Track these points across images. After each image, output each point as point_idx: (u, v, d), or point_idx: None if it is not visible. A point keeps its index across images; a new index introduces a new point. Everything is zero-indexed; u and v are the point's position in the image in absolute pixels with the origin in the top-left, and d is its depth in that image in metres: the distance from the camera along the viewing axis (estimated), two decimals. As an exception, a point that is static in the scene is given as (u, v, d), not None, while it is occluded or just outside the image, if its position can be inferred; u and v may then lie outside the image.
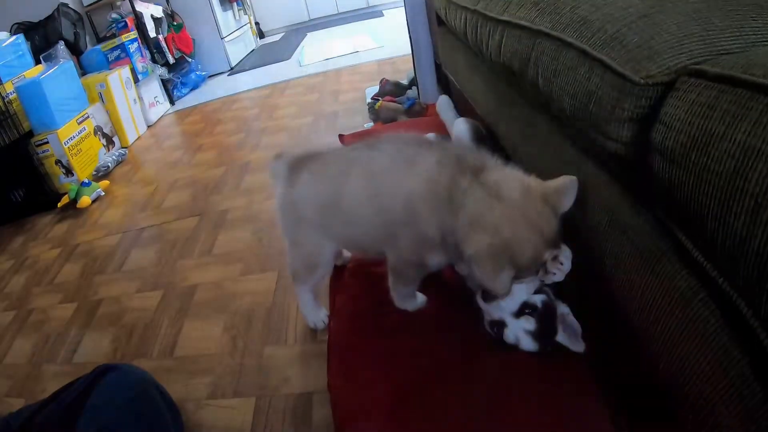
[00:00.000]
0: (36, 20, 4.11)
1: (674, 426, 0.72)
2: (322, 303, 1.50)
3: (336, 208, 1.19)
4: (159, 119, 4.59)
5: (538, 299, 1.05)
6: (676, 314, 0.65)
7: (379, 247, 1.20)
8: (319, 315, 1.48)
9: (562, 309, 1.07)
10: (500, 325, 1.07)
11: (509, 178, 0.99)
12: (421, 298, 1.28)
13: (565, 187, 0.93)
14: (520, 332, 1.05)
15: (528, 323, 1.04)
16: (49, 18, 4.12)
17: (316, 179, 1.23)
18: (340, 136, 2.36)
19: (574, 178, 0.92)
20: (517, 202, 0.95)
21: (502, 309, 1.06)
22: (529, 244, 0.93)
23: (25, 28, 4.01)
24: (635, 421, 0.93)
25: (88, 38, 4.50)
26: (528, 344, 1.05)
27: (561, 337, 1.05)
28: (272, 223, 2.19)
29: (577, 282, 1.04)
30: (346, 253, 1.56)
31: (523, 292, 1.06)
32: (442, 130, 2.01)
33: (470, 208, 0.97)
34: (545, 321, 1.05)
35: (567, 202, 0.93)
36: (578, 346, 1.04)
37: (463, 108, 2.12)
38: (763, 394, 0.53)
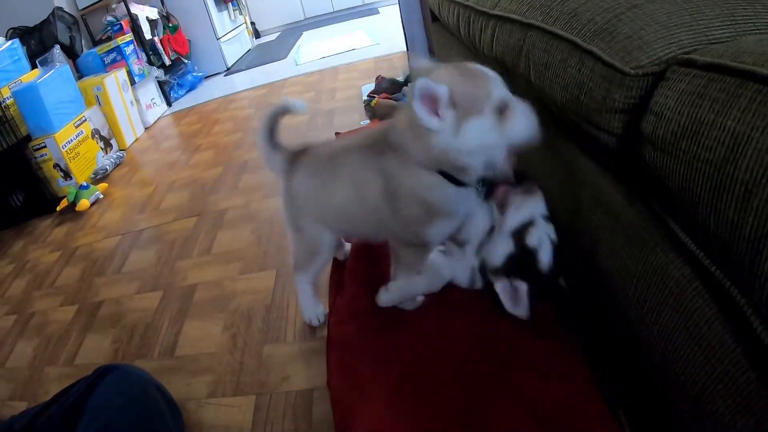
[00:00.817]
0: (31, 25, 4.10)
1: (672, 419, 0.72)
2: (321, 300, 1.52)
3: (329, 203, 1.22)
4: (156, 121, 4.59)
5: None
6: (670, 304, 0.65)
7: (378, 235, 1.24)
8: (316, 310, 1.49)
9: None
10: (527, 227, 1.09)
11: None
12: (419, 297, 1.29)
13: None
14: (544, 236, 1.08)
15: (552, 232, 1.08)
16: (45, 22, 4.11)
17: (310, 174, 1.27)
18: (337, 134, 2.36)
19: None
20: None
21: (535, 208, 1.11)
22: None
23: (21, 33, 4.00)
24: (633, 414, 0.94)
25: (83, 41, 4.49)
26: (547, 254, 1.07)
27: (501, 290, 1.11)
28: (271, 221, 2.19)
29: (570, 273, 1.05)
30: (347, 246, 1.60)
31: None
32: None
33: None
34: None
35: None
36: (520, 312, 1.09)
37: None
38: (758, 381, 0.53)
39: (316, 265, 1.41)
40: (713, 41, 0.62)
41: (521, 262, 1.09)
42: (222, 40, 5.93)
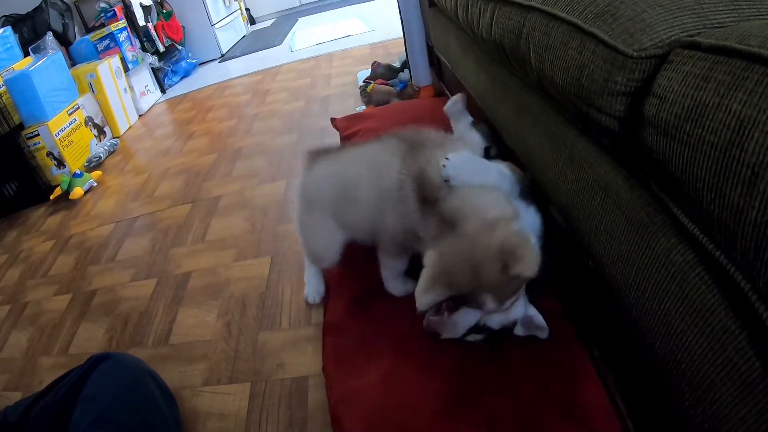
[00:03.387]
0: (23, 12, 4.08)
1: (672, 407, 0.72)
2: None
3: (343, 190, 1.29)
4: (150, 108, 4.57)
5: (495, 323, 1.03)
6: (672, 290, 0.64)
7: (374, 227, 1.26)
8: (318, 288, 1.53)
9: (530, 311, 1.06)
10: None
11: (475, 212, 1.03)
12: (411, 284, 1.30)
13: (522, 254, 0.93)
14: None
15: (472, 338, 1.05)
16: (37, 9, 4.08)
17: (329, 166, 1.36)
18: (332, 120, 2.35)
19: (534, 252, 0.93)
20: (471, 240, 0.99)
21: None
22: (467, 284, 0.97)
23: (13, 21, 3.98)
24: (633, 401, 0.93)
25: (76, 28, 4.46)
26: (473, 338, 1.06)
27: (520, 331, 1.06)
28: (265, 208, 2.19)
29: (571, 260, 1.04)
30: None
31: (470, 318, 1.05)
32: (435, 114, 2.00)
33: (433, 227, 1.06)
34: (495, 335, 1.05)
35: (519, 269, 0.92)
36: (542, 333, 1.05)
37: (455, 90, 2.11)
38: (762, 368, 0.52)
39: (320, 263, 1.50)
40: (717, 25, 0.61)
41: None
42: (216, 26, 5.90)
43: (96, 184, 3.10)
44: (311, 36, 5.72)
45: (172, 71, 5.23)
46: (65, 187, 2.99)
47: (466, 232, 1.00)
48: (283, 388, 1.30)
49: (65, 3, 4.36)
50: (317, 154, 1.42)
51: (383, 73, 3.17)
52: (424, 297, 0.98)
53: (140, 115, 4.39)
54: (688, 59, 0.58)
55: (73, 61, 4.14)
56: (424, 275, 1.00)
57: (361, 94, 3.11)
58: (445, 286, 0.97)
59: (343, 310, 1.33)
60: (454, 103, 1.62)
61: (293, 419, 1.22)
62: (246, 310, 1.61)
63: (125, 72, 4.25)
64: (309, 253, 1.49)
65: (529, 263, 0.91)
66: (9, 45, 3.42)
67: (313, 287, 1.53)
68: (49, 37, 3.85)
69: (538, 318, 1.05)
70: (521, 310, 1.03)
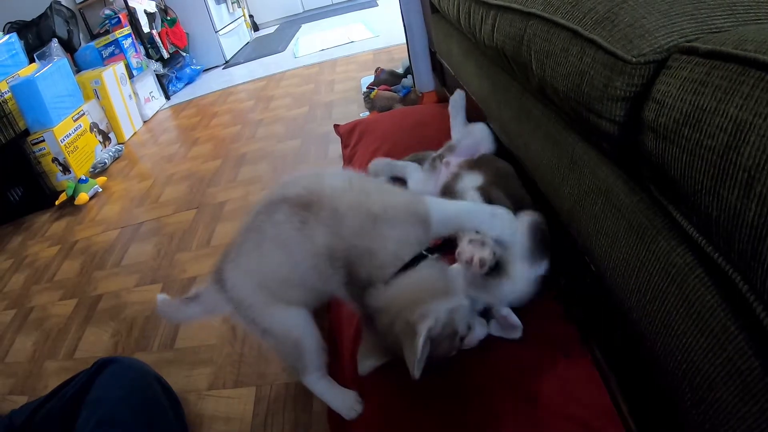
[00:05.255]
0: (29, 19, 4.10)
1: (674, 407, 0.72)
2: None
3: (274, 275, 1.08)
4: (155, 114, 4.59)
5: None
6: (672, 291, 0.65)
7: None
8: (348, 400, 1.12)
9: (504, 311, 1.05)
10: None
11: None
12: None
13: None
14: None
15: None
16: (42, 16, 4.10)
17: (241, 264, 1.11)
18: (335, 126, 2.36)
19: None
20: None
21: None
22: None
23: (18, 27, 4.00)
24: (636, 403, 0.94)
25: (81, 35, 4.48)
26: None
27: (495, 330, 1.07)
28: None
29: (572, 263, 1.04)
30: None
31: None
32: (438, 119, 2.00)
33: None
34: None
35: None
36: (516, 333, 1.05)
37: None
38: (761, 368, 0.53)
39: (311, 358, 1.12)
40: (714, 30, 0.62)
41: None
42: (220, 33, 5.92)
43: (101, 189, 3.11)
44: (315, 42, 5.73)
45: (176, 78, 5.26)
46: (70, 192, 3.01)
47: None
48: (288, 392, 1.30)
49: (70, 10, 4.38)
50: (218, 271, 1.12)
51: (386, 78, 3.18)
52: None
53: (145, 122, 4.41)
54: (686, 64, 0.59)
55: (78, 68, 4.17)
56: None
57: (364, 100, 3.11)
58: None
59: (344, 316, 1.33)
60: (461, 97, 1.73)
61: (298, 423, 1.23)
62: (250, 314, 1.61)
63: (130, 78, 4.28)
64: (288, 356, 1.15)
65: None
66: (14, 51, 3.44)
67: (341, 402, 1.13)
68: (54, 43, 3.87)
69: (513, 317, 1.04)
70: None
